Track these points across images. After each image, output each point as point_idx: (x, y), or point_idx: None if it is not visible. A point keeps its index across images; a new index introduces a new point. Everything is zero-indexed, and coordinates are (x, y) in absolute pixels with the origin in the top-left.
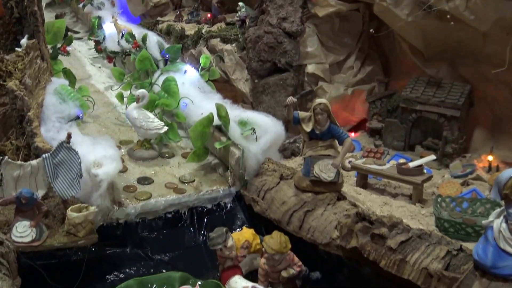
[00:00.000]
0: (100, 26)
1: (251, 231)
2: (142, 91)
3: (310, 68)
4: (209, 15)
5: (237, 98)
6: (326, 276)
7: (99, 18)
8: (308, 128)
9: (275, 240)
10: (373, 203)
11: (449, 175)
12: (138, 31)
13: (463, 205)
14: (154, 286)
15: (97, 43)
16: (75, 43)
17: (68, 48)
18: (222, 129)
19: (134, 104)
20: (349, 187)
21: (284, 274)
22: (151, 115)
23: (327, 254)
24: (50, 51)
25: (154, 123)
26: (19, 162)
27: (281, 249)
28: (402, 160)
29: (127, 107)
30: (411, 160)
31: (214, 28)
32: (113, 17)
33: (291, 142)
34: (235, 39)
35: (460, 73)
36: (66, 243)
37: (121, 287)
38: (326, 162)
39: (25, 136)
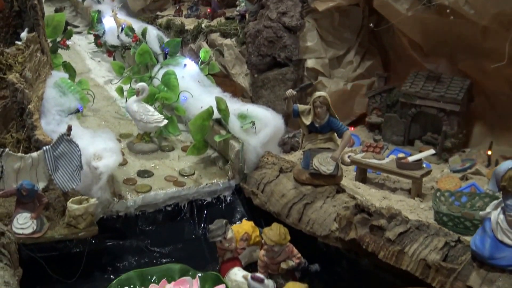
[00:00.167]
0: (99, 20)
1: (251, 223)
2: (142, 84)
3: (310, 63)
4: (208, 10)
5: (236, 92)
6: (325, 268)
7: (99, 12)
8: (307, 121)
9: (275, 231)
10: (372, 197)
11: (448, 170)
12: (138, 25)
13: (462, 199)
14: (154, 277)
15: (97, 37)
16: (74, 37)
17: (68, 42)
18: (221, 123)
19: (134, 97)
20: (349, 181)
21: (283, 265)
22: (151, 108)
23: (326, 247)
24: (50, 44)
25: (154, 116)
26: (19, 154)
27: (280, 240)
28: (401, 155)
29: (127, 101)
30: (410, 155)
31: (214, 22)
32: (112, 11)
33: (291, 137)
34: (234, 33)
35: (460, 68)
36: (67, 235)
37: (121, 278)
38: (326, 155)
39: (26, 129)
